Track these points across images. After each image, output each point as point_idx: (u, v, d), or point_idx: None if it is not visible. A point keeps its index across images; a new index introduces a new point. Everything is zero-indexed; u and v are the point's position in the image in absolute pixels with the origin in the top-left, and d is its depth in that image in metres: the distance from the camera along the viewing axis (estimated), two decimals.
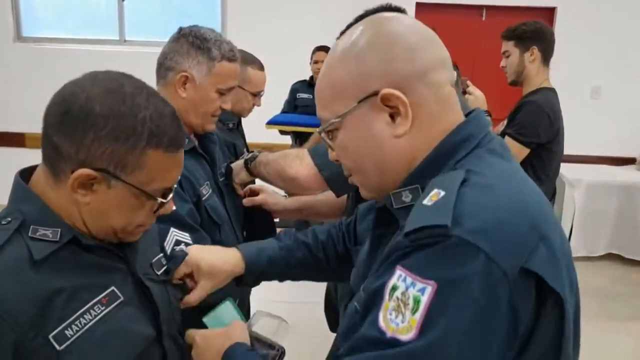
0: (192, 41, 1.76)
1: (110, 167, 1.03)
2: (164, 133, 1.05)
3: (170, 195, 1.15)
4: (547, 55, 3.31)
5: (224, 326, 1.33)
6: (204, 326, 1.35)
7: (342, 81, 1.01)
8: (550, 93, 3.30)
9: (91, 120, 1.01)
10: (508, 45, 3.37)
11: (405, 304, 0.85)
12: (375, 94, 0.98)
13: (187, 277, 1.39)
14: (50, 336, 1.01)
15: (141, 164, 1.05)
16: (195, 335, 1.28)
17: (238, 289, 1.56)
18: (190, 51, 1.76)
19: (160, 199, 1.11)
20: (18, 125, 6.16)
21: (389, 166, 1.02)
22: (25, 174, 1.14)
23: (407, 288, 0.85)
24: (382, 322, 0.87)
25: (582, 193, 5.45)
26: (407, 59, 0.98)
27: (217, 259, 1.43)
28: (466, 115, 1.06)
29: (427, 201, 0.90)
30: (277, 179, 1.99)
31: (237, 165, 2.10)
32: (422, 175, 0.99)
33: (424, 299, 0.83)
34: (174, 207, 1.18)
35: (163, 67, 1.79)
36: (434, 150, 1.00)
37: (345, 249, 1.54)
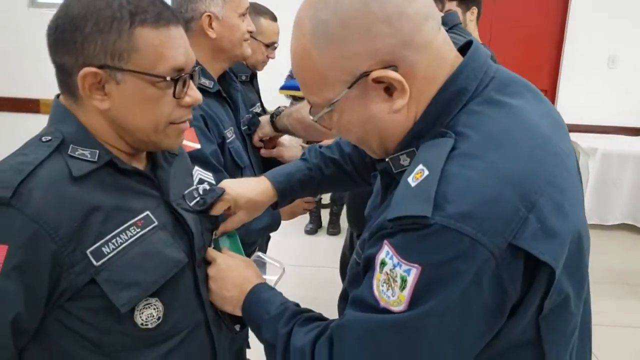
0: None
1: (107, 61, 1.05)
2: (145, 11, 1.07)
3: (183, 76, 1.13)
4: (479, 15, 3.62)
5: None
6: None
7: (324, 66, 0.95)
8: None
9: (74, 24, 1.05)
10: (451, 5, 3.63)
11: (394, 280, 0.88)
12: (365, 74, 0.93)
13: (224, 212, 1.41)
14: (88, 251, 1.04)
15: (135, 47, 1.06)
16: (217, 256, 1.30)
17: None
18: None
19: (169, 77, 1.09)
20: (33, 91, 6.17)
21: (392, 137, 1.01)
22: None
23: (394, 266, 0.88)
24: (375, 291, 0.92)
25: (597, 162, 5.43)
26: (389, 32, 0.91)
27: (253, 192, 1.46)
28: (463, 50, 1.02)
29: (411, 179, 0.90)
30: (298, 128, 2.05)
31: (263, 119, 2.15)
32: (418, 137, 0.98)
33: (410, 279, 0.86)
34: (200, 97, 1.18)
35: (183, 22, 1.81)
36: (426, 112, 0.97)
37: (371, 159, 1.56)
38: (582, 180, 1.09)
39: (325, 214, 5.51)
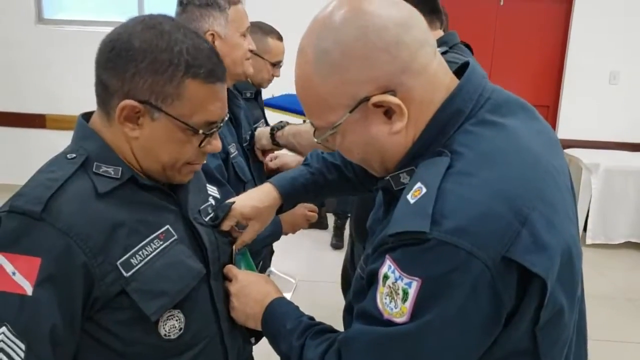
0: (199, 3, 1.85)
1: (151, 99, 1.10)
2: (201, 64, 1.11)
3: (214, 131, 1.19)
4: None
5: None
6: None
7: (326, 92, 1.00)
8: None
9: (131, 55, 1.08)
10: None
11: (396, 292, 0.93)
12: (366, 99, 0.98)
13: (233, 228, 1.43)
14: (118, 263, 1.08)
15: (181, 95, 1.10)
16: (238, 273, 1.33)
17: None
18: (203, 12, 1.85)
19: (202, 131, 1.15)
20: (39, 107, 6.23)
21: (392, 157, 1.05)
22: (86, 117, 1.21)
23: (396, 280, 0.93)
24: (379, 304, 0.97)
25: (600, 178, 5.43)
26: (387, 60, 0.96)
27: (256, 200, 1.49)
28: (459, 72, 1.06)
29: (410, 197, 0.95)
30: (309, 149, 2.07)
31: (261, 131, 2.18)
32: (416, 157, 1.02)
33: (412, 292, 0.91)
34: (220, 146, 1.23)
35: None
36: (424, 132, 1.02)
37: None
38: (574, 196, 1.13)
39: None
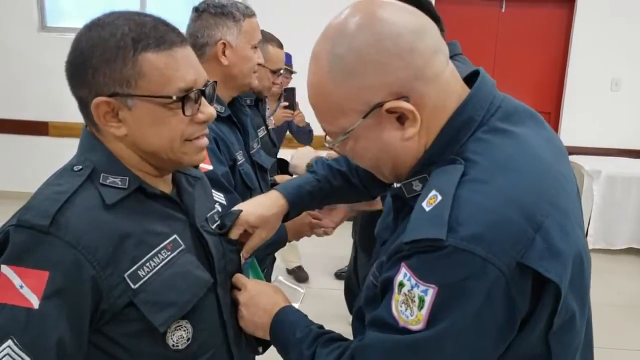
0: (215, 12, 1.87)
1: (116, 89, 1.08)
2: (147, 36, 1.09)
3: (195, 93, 1.15)
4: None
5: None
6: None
7: (340, 97, 1.01)
8: None
9: (84, 57, 1.08)
10: None
11: (412, 300, 0.93)
12: (379, 105, 0.98)
13: (241, 236, 1.43)
14: (125, 275, 1.08)
15: (141, 73, 1.08)
16: (246, 282, 1.34)
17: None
18: (217, 21, 1.87)
19: (175, 96, 1.11)
20: (42, 114, 6.26)
21: (404, 163, 1.06)
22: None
23: (412, 287, 0.94)
24: (394, 312, 0.97)
25: (602, 185, 5.45)
26: (401, 66, 0.96)
27: (263, 207, 1.49)
28: (470, 80, 1.07)
29: (425, 204, 0.96)
30: None
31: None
32: (429, 164, 1.03)
33: (428, 299, 0.92)
34: (213, 112, 1.20)
35: (197, 47, 1.87)
36: (437, 140, 1.02)
37: None
38: (581, 202, 1.14)
39: None
